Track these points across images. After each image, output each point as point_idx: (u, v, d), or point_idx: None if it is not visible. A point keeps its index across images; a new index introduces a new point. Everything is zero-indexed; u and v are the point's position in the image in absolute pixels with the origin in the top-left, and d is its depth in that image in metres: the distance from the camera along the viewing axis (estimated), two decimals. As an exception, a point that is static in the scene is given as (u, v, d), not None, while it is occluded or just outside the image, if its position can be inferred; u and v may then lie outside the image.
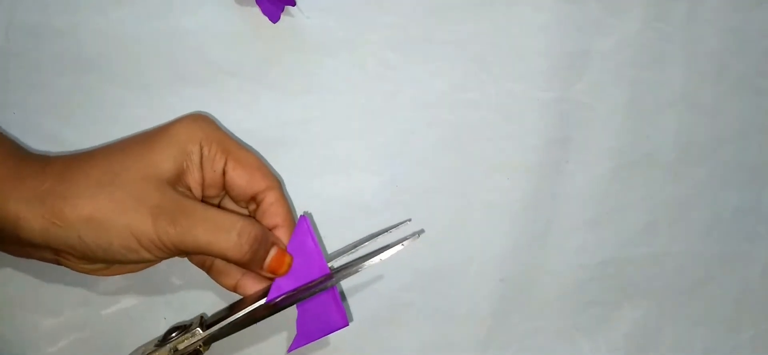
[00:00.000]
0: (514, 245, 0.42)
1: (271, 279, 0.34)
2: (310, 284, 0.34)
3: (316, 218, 0.39)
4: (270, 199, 0.34)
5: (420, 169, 0.40)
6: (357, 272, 0.34)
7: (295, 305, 0.34)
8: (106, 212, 0.29)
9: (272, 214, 0.34)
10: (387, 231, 0.38)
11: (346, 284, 0.39)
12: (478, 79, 0.40)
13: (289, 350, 0.34)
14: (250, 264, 0.32)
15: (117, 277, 0.34)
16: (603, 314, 0.45)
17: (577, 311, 0.44)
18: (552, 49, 0.39)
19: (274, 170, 0.38)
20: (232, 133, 0.35)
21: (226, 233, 0.31)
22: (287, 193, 0.35)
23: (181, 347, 0.33)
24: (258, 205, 0.34)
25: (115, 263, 0.31)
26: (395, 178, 0.40)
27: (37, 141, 0.36)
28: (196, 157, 0.32)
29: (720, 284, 0.46)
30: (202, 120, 0.33)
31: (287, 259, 0.33)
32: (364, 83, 0.39)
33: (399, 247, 0.34)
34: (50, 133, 0.36)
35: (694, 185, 0.44)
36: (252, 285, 0.34)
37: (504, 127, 0.40)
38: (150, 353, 0.33)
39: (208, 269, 0.35)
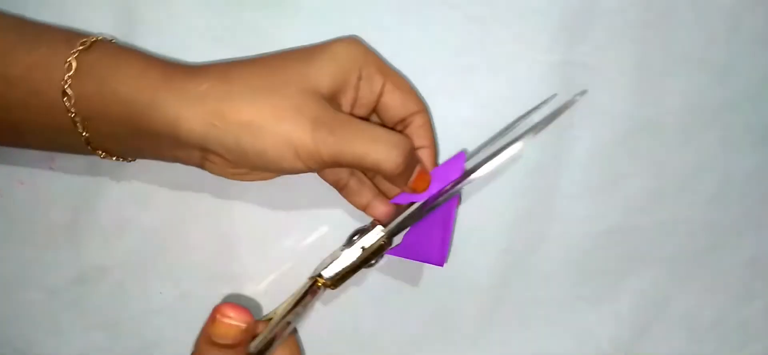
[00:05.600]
0: (517, 214, 0.41)
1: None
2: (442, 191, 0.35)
3: (314, 188, 0.39)
4: (418, 122, 0.35)
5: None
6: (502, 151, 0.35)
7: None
8: (266, 117, 0.30)
9: (420, 136, 0.36)
10: (530, 113, 0.38)
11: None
12: (478, 41, 0.38)
13: (388, 252, 0.36)
14: (398, 178, 0.33)
15: None
16: (609, 283, 0.44)
17: (582, 280, 0.43)
18: (555, 8, 0.38)
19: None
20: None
21: (383, 145, 0.32)
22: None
23: (367, 244, 0.35)
24: (405, 127, 0.36)
25: (262, 170, 0.32)
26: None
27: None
28: (353, 78, 0.33)
29: (730, 252, 0.45)
30: (359, 43, 0.34)
31: (429, 179, 0.35)
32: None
33: (564, 111, 0.36)
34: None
35: (703, 149, 0.42)
36: (382, 206, 0.36)
37: (505, 92, 0.39)
38: (341, 252, 0.35)
39: (342, 188, 0.36)
